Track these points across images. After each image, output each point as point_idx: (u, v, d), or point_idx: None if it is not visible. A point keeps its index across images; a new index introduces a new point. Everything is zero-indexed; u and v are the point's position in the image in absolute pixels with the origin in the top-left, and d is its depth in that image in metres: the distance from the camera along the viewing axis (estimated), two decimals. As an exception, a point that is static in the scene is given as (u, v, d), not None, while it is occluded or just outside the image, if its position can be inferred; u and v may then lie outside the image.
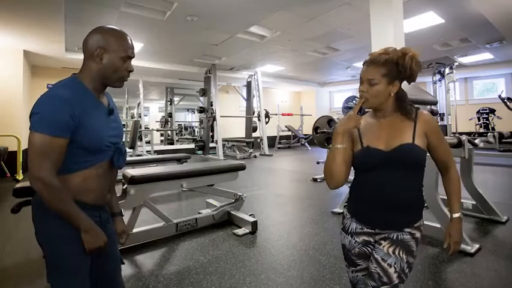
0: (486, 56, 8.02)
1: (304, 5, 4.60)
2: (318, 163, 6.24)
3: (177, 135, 12.48)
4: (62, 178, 0.87)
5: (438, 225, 2.39)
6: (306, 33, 6.02)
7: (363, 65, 1.02)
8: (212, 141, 9.60)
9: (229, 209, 2.95)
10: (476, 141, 2.75)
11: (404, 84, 1.03)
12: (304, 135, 12.11)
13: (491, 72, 9.69)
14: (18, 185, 1.95)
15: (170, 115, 11.76)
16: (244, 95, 10.47)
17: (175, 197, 4.04)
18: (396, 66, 0.97)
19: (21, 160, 5.46)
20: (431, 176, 2.29)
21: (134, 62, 1.04)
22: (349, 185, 1.12)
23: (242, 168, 2.98)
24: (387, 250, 0.97)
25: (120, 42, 0.95)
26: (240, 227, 2.74)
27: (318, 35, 6.15)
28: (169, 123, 11.69)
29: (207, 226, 2.81)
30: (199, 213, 3.05)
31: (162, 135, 12.62)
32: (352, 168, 1.06)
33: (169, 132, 11.88)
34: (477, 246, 2.22)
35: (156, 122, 13.66)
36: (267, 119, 10.05)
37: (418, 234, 1.00)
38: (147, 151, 8.92)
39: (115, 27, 0.97)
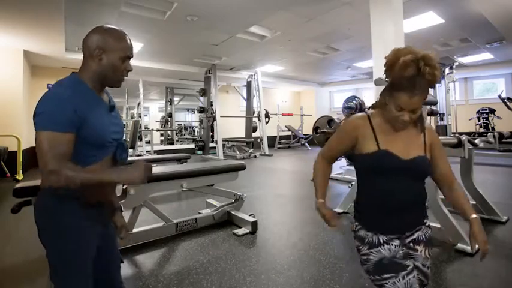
0: (486, 56, 8.03)
1: (304, 5, 4.60)
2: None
3: (177, 135, 12.49)
4: None
5: (438, 225, 2.38)
6: (306, 33, 6.02)
7: (406, 94, 0.88)
8: (212, 141, 9.60)
9: (229, 209, 2.94)
10: (476, 141, 2.74)
11: None
12: (304, 135, 12.10)
13: (491, 72, 9.69)
14: (18, 185, 1.94)
15: (170, 115, 11.77)
16: (244, 95, 10.47)
17: (175, 197, 4.03)
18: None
19: (21, 160, 5.45)
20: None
21: (134, 62, 1.04)
22: (349, 185, 1.13)
23: (242, 168, 2.98)
24: (424, 254, 1.02)
25: (119, 43, 0.95)
26: (240, 227, 2.74)
27: (318, 35, 6.15)
28: (169, 123, 11.70)
29: (207, 226, 2.81)
30: (199, 213, 3.05)
31: (162, 135, 12.62)
32: (353, 168, 1.07)
33: (169, 132, 11.88)
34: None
35: (156, 122, 13.65)
36: (267, 119, 10.04)
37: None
38: (147, 151, 8.93)
39: (114, 27, 0.97)
